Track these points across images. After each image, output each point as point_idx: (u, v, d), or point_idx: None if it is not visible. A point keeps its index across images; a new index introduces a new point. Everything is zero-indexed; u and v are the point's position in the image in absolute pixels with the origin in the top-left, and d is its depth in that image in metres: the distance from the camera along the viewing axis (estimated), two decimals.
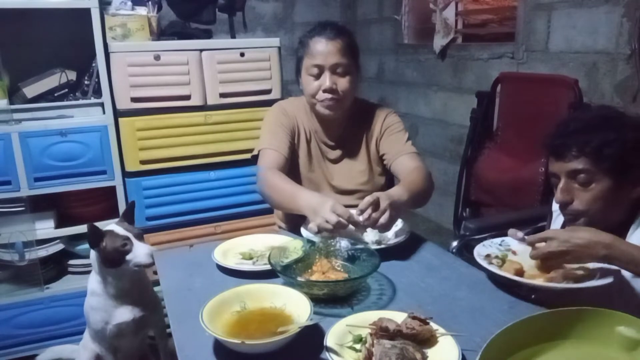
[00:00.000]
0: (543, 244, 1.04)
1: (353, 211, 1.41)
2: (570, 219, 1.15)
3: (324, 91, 1.45)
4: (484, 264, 1.10)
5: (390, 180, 1.63)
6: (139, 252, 1.30)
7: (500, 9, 2.81)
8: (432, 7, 2.87)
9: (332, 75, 1.45)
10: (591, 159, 1.08)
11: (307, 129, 1.58)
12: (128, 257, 1.30)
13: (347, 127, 1.58)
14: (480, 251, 1.17)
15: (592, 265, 1.05)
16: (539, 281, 1.04)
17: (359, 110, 1.59)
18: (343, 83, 1.46)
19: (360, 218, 1.21)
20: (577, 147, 1.09)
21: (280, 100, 2.18)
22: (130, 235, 1.31)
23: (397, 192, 1.33)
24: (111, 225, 1.35)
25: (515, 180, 2.03)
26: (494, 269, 1.08)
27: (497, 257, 1.15)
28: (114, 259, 1.31)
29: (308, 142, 1.58)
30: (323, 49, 1.45)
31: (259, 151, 1.53)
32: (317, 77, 1.46)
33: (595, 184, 1.09)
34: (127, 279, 1.35)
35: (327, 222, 1.19)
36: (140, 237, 1.33)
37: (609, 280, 1.00)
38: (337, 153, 1.59)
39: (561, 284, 1.01)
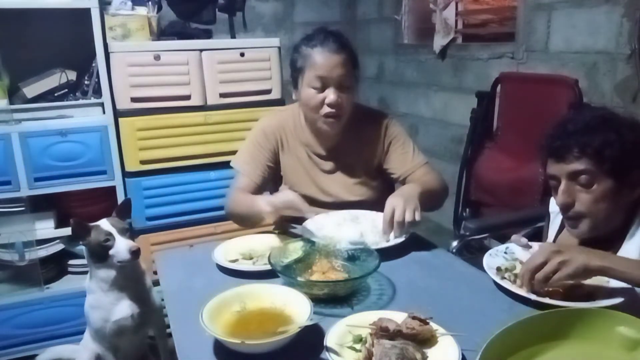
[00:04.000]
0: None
1: (353, 212, 1.43)
2: (571, 222, 1.13)
3: (330, 106, 1.40)
4: (497, 279, 1.08)
5: (390, 189, 1.57)
6: (120, 247, 1.30)
7: (500, 9, 2.80)
8: (432, 7, 2.87)
9: (337, 90, 1.40)
10: (593, 160, 1.06)
11: (295, 145, 1.53)
12: (111, 252, 1.31)
13: (342, 137, 1.52)
14: (489, 263, 1.14)
15: (605, 278, 1.03)
16: (556, 299, 1.00)
17: (354, 118, 1.51)
18: (346, 98, 1.42)
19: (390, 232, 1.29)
20: (578, 148, 1.07)
21: (280, 99, 2.21)
22: (113, 230, 1.32)
23: (409, 187, 1.38)
24: (101, 220, 1.35)
25: (515, 180, 2.03)
26: (507, 284, 1.06)
27: (507, 269, 1.13)
28: (99, 254, 1.32)
29: (297, 158, 1.53)
30: (328, 61, 1.38)
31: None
32: (321, 90, 1.40)
33: (597, 186, 1.07)
34: (118, 274, 1.35)
35: (282, 200, 1.26)
36: (123, 233, 1.33)
37: (623, 297, 0.97)
38: (331, 164, 1.54)
39: (578, 303, 0.97)
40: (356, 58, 1.46)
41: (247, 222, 1.45)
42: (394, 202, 1.29)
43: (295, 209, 1.26)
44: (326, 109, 1.41)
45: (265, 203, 1.28)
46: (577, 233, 1.14)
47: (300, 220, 1.38)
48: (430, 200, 1.42)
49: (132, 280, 1.40)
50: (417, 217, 1.27)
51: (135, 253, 1.31)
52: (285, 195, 1.29)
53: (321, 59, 1.39)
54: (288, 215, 1.33)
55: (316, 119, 1.45)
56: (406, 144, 1.55)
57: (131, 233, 1.39)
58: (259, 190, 1.49)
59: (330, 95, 1.39)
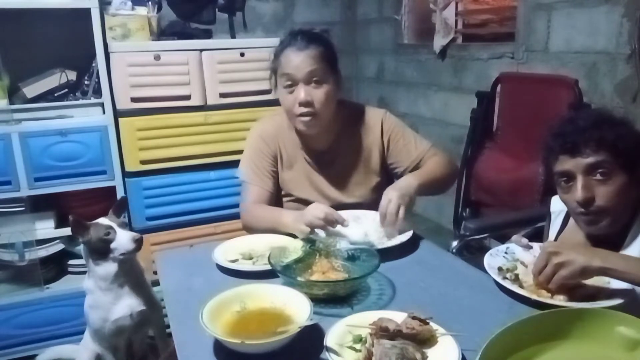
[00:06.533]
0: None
1: (354, 212, 1.43)
2: (591, 219, 1.11)
3: (300, 104, 1.37)
4: (499, 279, 1.08)
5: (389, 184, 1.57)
6: (122, 239, 1.31)
7: (500, 9, 2.80)
8: (432, 7, 2.87)
9: (307, 87, 1.37)
10: (610, 153, 1.07)
11: (290, 149, 1.51)
12: (112, 245, 1.31)
13: (337, 137, 1.50)
14: (491, 263, 1.13)
15: (606, 280, 1.03)
16: (557, 300, 0.99)
17: (348, 117, 1.50)
18: (319, 94, 1.38)
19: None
20: (595, 142, 1.07)
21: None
22: (113, 224, 1.33)
23: (406, 181, 1.38)
24: (99, 219, 1.36)
25: (515, 180, 2.03)
26: (508, 284, 1.06)
27: (508, 269, 1.12)
28: (100, 249, 1.32)
29: (294, 162, 1.52)
30: (294, 57, 1.37)
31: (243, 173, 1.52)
32: (291, 89, 1.39)
33: (614, 178, 1.07)
34: (118, 269, 1.35)
35: (316, 218, 1.23)
36: (123, 226, 1.35)
37: (624, 298, 0.97)
38: (328, 165, 1.52)
39: (582, 303, 0.96)
40: (332, 52, 1.43)
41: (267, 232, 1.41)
42: (389, 195, 1.31)
43: (334, 222, 1.24)
44: (298, 109, 1.38)
45: (298, 221, 1.27)
46: (597, 230, 1.12)
47: None
48: (435, 185, 1.45)
49: (131, 278, 1.40)
50: (401, 212, 1.29)
51: (139, 242, 1.32)
52: (318, 211, 1.25)
53: (288, 58, 1.38)
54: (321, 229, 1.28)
55: (294, 121, 1.43)
56: (406, 134, 1.54)
57: (130, 228, 1.39)
58: (272, 198, 1.49)
59: (301, 93, 1.37)
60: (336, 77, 1.44)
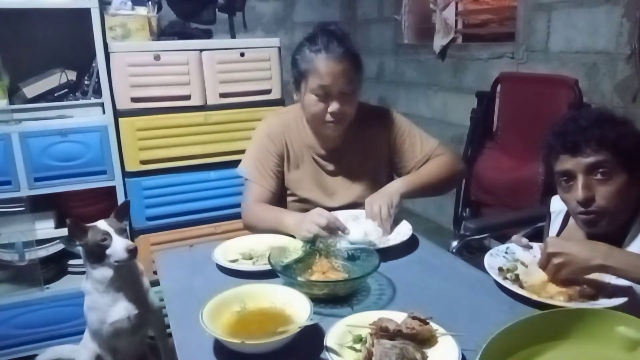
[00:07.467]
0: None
1: (352, 211, 1.43)
2: (591, 219, 1.11)
3: (332, 114, 1.39)
4: (499, 279, 1.08)
5: None
6: (117, 247, 1.30)
7: (500, 9, 2.81)
8: (432, 7, 2.87)
9: (340, 98, 1.38)
10: (610, 152, 1.07)
11: (297, 148, 1.51)
12: (108, 252, 1.30)
13: (345, 137, 1.50)
14: (491, 263, 1.13)
15: (607, 278, 1.02)
16: (559, 300, 0.99)
17: (357, 118, 1.49)
18: (350, 104, 1.40)
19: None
20: (596, 141, 1.07)
21: (280, 99, 2.20)
22: (111, 230, 1.31)
23: (392, 186, 1.41)
24: (98, 221, 1.35)
25: (515, 180, 2.03)
26: (508, 284, 1.06)
27: (508, 269, 1.12)
28: (96, 254, 1.32)
29: (301, 161, 1.52)
30: (331, 70, 1.35)
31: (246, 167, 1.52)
32: (323, 99, 1.38)
33: (615, 178, 1.07)
34: (114, 274, 1.35)
35: (318, 225, 1.23)
36: (121, 233, 1.33)
37: (624, 298, 0.97)
38: (335, 165, 1.52)
39: (583, 304, 0.97)
40: (360, 61, 1.43)
41: (268, 232, 1.40)
42: (369, 199, 1.36)
43: (335, 230, 1.24)
44: (329, 118, 1.40)
45: (299, 226, 1.26)
46: (596, 230, 1.12)
47: None
48: (432, 187, 1.46)
49: (128, 281, 1.39)
50: (383, 211, 1.32)
51: (132, 252, 1.31)
52: (321, 218, 1.24)
53: (324, 68, 1.35)
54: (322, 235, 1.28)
55: (318, 124, 1.44)
56: (412, 134, 1.54)
57: (129, 234, 1.38)
58: (274, 197, 1.48)
59: (334, 105, 1.38)
60: (361, 83, 1.46)
